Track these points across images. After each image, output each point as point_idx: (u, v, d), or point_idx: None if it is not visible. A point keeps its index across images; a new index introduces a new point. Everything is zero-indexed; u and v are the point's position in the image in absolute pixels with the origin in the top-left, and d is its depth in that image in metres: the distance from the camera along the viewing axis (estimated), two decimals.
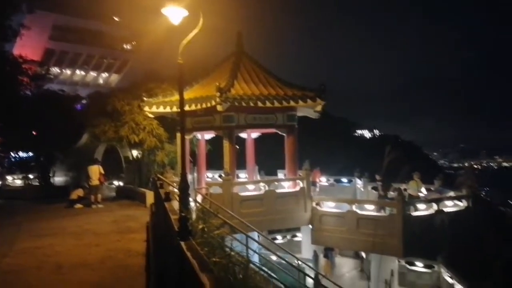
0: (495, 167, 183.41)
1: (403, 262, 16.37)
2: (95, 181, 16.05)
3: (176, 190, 9.94)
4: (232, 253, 6.58)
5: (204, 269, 1.84)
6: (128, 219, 12.84)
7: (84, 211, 15.06)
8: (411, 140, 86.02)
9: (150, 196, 14.67)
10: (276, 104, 13.54)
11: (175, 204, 8.29)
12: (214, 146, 18.95)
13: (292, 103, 13.79)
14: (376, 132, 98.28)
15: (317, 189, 17.66)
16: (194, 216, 8.12)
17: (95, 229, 11.29)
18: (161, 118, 18.23)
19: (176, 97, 14.40)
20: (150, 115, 16.74)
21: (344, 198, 15.74)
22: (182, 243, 2.61)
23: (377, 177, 17.19)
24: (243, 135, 16.39)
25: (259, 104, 13.34)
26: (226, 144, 13.84)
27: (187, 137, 14.95)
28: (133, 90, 20.31)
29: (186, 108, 12.86)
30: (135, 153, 21.66)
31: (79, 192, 16.56)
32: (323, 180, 19.35)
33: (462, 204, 13.97)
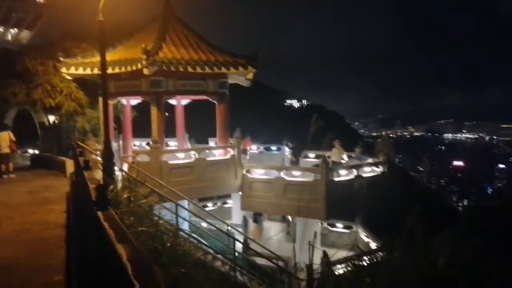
0: (408, 136, 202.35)
1: (325, 224, 17.63)
2: (5, 149, 14.51)
3: (99, 158, 9.41)
4: (161, 221, 6.48)
5: (122, 239, 1.73)
6: (46, 190, 11.90)
7: None
8: (335, 110, 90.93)
9: (70, 165, 13.68)
10: (207, 70, 13.19)
11: (99, 174, 7.83)
12: (141, 112, 18.10)
13: (223, 70, 13.54)
14: (304, 102, 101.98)
15: (248, 157, 17.93)
16: (119, 185, 7.78)
17: (7, 201, 10.29)
18: (80, 81, 16.84)
19: (97, 58, 13.29)
20: (68, 77, 15.36)
21: (273, 165, 16.19)
22: (99, 213, 2.44)
23: (290, 144, 17.89)
24: (172, 101, 15.86)
25: (189, 69, 12.89)
26: (154, 110, 13.28)
27: (111, 102, 14.02)
28: (47, 49, 18.39)
29: (109, 70, 11.97)
30: (51, 118, 19.91)
31: None
32: (253, 148, 19.66)
33: (379, 169, 15.18)
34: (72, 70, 14.08)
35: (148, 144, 15.48)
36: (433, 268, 3.29)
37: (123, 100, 15.98)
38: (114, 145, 14.82)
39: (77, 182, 7.89)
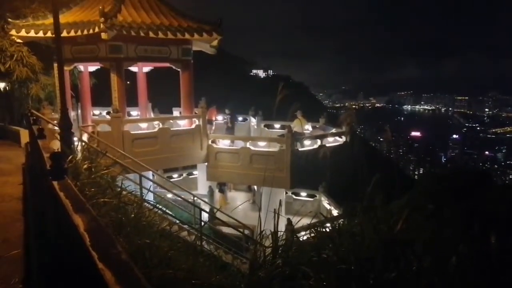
0: (369, 107, 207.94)
1: (290, 193, 18.04)
2: None
3: (56, 128, 8.97)
4: (124, 192, 6.33)
5: (79, 209, 1.65)
6: None
7: None
8: (301, 81, 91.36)
9: (24, 135, 13.04)
10: (170, 35, 12.68)
11: (56, 144, 7.49)
12: (101, 80, 17.32)
13: (187, 36, 13.07)
14: (270, 72, 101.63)
15: (213, 127, 17.78)
16: (79, 156, 7.50)
17: None
18: (33, 45, 15.72)
19: (50, 20, 12.39)
20: (19, 40, 14.31)
21: (239, 136, 16.19)
22: (55, 183, 2.32)
23: (226, 111, 17.91)
24: (134, 68, 15.25)
25: (151, 34, 12.33)
26: (114, 77, 12.71)
27: (67, 68, 13.28)
28: None
29: (64, 34, 11.22)
30: (2, 85, 18.62)
31: None
32: (219, 118, 19.49)
33: (342, 139, 15.55)
34: (23, 33, 13.07)
35: (108, 113, 14.94)
36: (391, 232, 3.44)
37: (80, 66, 15.16)
38: (72, 114, 14.24)
39: (32, 152, 7.52)
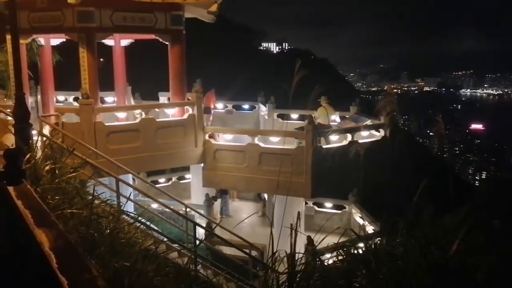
0: (416, 92, 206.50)
1: (311, 204, 18.08)
2: None
3: (10, 118, 9.12)
4: (97, 201, 6.46)
5: (42, 222, 1.67)
6: None
7: None
8: (325, 57, 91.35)
9: None
10: None
11: (10, 139, 7.61)
12: (67, 56, 17.50)
13: None
14: (286, 45, 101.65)
15: (211, 118, 17.90)
16: (39, 154, 7.63)
17: None
18: None
19: None
20: None
21: (245, 129, 16.24)
22: (10, 188, 2.36)
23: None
24: (109, 42, 15.40)
25: None
26: (83, 53, 12.85)
27: (23, 42, 13.45)
28: None
29: None
30: None
31: None
32: (218, 106, 19.60)
33: (380, 134, 15.46)
34: None
35: (76, 99, 15.13)
36: (444, 255, 3.43)
37: (41, 39, 15.32)
38: (30, 100, 14.42)
39: None
